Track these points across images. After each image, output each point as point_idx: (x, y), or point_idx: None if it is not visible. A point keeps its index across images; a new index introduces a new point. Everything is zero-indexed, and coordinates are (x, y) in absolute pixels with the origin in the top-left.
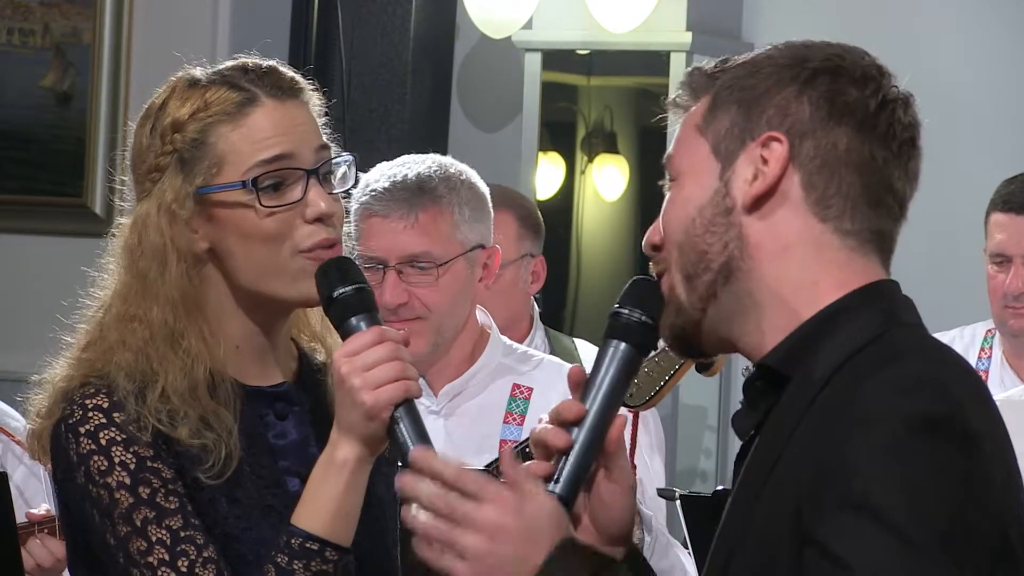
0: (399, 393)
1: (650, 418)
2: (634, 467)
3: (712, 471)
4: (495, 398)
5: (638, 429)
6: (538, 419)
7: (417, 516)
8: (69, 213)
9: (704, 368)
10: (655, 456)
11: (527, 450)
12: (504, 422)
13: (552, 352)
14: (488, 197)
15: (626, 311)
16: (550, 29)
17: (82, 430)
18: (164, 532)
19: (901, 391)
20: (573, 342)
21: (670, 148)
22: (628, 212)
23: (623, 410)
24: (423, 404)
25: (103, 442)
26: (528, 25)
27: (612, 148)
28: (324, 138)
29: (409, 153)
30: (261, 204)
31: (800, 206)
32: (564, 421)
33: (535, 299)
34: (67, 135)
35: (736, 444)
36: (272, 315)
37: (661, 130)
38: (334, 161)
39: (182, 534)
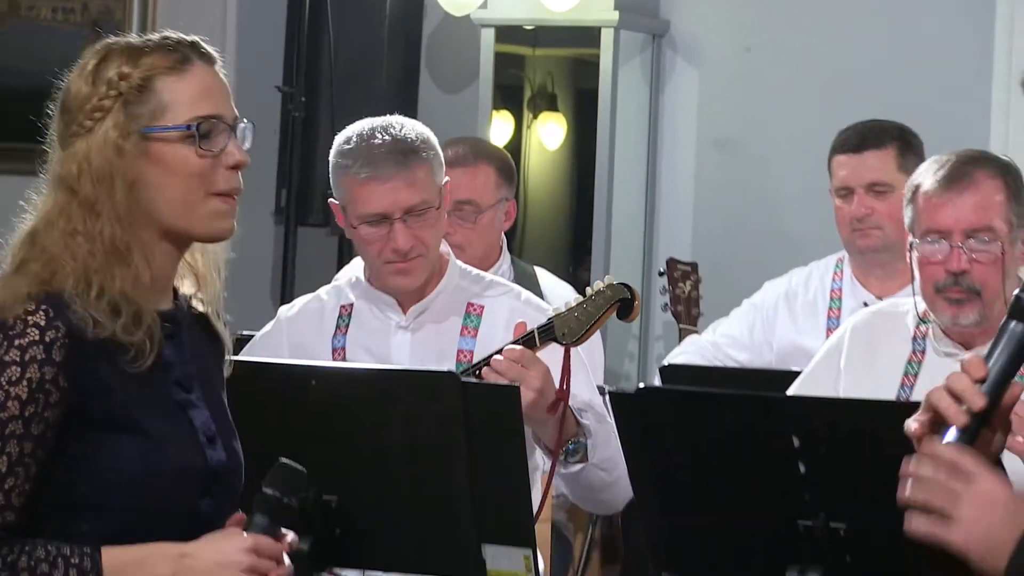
0: None
1: (595, 347)
2: (567, 394)
3: (634, 372)
4: (453, 315)
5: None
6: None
7: (915, 493)
8: None
9: (624, 315)
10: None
11: (477, 373)
12: (460, 335)
13: (515, 274)
14: (437, 146)
15: None
16: (502, 8)
17: (16, 342)
18: (15, 447)
19: None
20: (532, 267)
21: None
22: (566, 159)
23: (556, 346)
24: (394, 321)
25: (35, 350)
26: (484, 5)
27: (553, 107)
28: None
29: (386, 111)
30: (200, 148)
31: None
32: (974, 379)
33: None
34: None
35: (656, 349)
36: (179, 248)
37: (593, 92)
38: (244, 124)
39: (25, 458)
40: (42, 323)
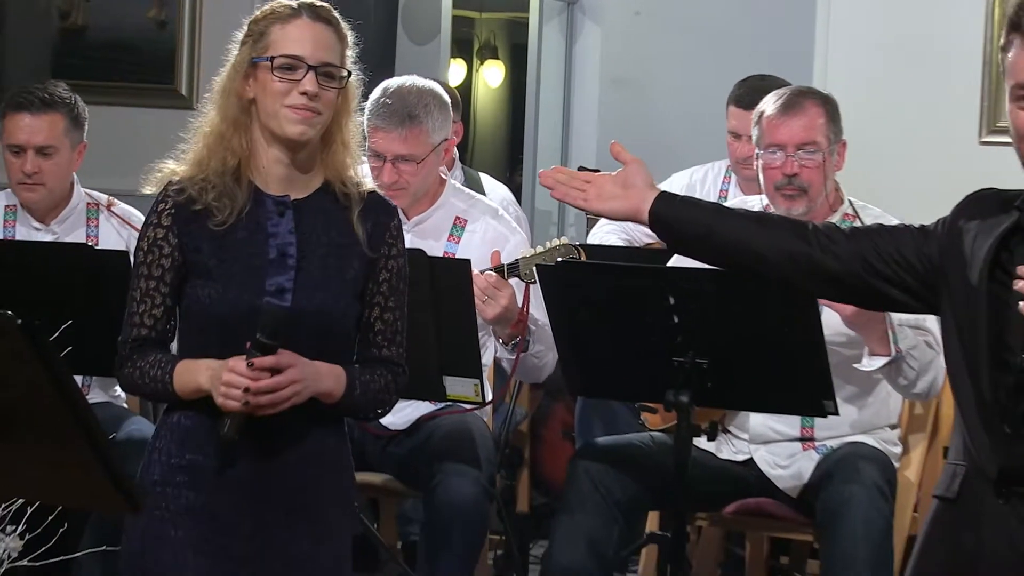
0: (234, 407)
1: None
2: (527, 316)
3: None
4: (444, 224)
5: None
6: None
7: None
8: (165, 93)
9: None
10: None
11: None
12: (447, 240)
13: (465, 178)
14: (449, 103)
15: None
16: None
17: (156, 206)
18: (144, 284)
19: None
20: (477, 173)
21: None
22: (504, 95)
23: (516, 281)
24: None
25: (153, 218)
26: None
27: (495, 56)
28: (337, 56)
29: (371, 63)
30: (273, 73)
31: None
32: None
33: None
34: (163, 47)
35: (570, 232)
36: (282, 149)
37: (524, 45)
38: (336, 69)
39: (151, 291)
40: (161, 198)
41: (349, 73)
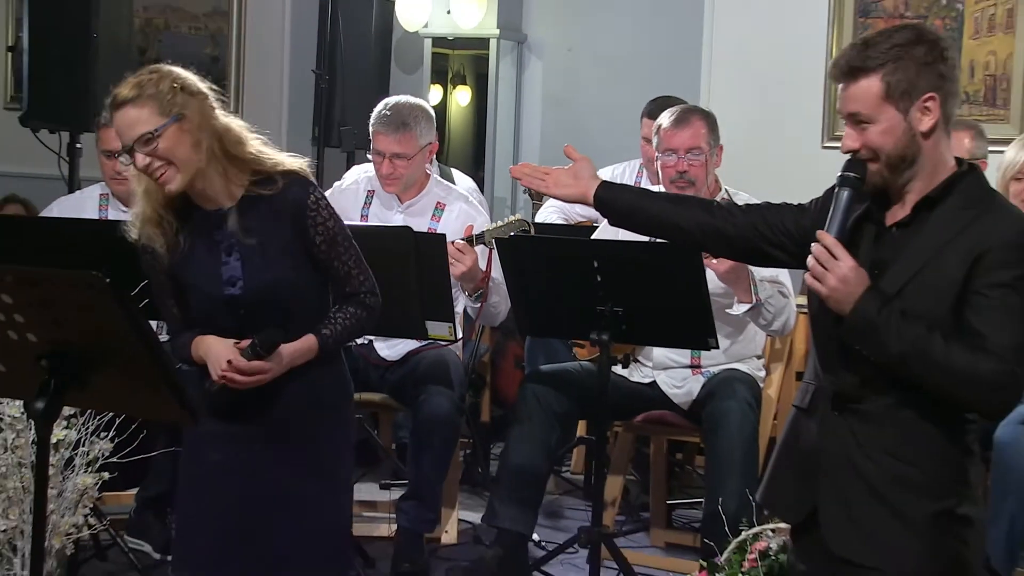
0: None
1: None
2: (489, 275)
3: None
4: (428, 207)
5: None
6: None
7: (809, 260)
8: None
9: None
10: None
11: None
12: (431, 220)
13: (440, 172)
14: (434, 115)
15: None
16: (436, 27)
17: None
18: (158, 294)
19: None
20: (450, 169)
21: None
22: (471, 112)
23: (481, 248)
24: (395, 208)
25: (141, 250)
26: (426, 25)
27: (464, 83)
28: (145, 123)
29: (372, 87)
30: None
31: None
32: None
33: None
34: (216, 77)
35: (519, 215)
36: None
37: (485, 74)
38: (148, 134)
39: (165, 298)
40: (136, 235)
41: (173, 119)
